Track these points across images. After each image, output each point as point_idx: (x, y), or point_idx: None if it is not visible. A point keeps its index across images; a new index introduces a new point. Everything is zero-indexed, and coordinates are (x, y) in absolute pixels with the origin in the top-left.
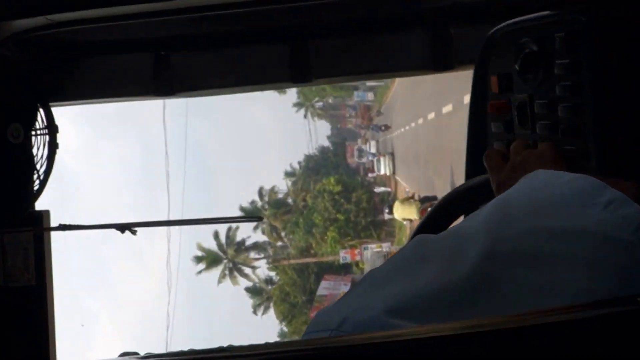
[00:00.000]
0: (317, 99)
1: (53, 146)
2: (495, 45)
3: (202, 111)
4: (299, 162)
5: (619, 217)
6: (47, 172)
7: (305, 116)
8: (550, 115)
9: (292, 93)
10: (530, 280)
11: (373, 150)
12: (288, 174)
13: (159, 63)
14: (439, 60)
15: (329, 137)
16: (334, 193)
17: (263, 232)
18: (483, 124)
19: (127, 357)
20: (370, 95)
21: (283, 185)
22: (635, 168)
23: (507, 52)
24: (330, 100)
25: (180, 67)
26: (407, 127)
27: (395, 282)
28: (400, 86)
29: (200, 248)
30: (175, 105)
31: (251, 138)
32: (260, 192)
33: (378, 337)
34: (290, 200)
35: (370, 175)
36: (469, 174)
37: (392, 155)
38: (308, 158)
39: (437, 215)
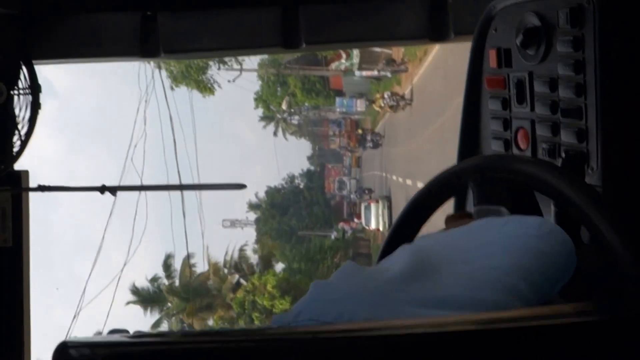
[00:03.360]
0: (286, 111)
1: (35, 106)
2: (495, 17)
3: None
4: (267, 192)
5: (521, 222)
6: (29, 133)
7: (275, 133)
8: (550, 94)
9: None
10: (463, 271)
11: (353, 189)
12: (253, 206)
13: (145, 23)
14: (435, 30)
15: (309, 159)
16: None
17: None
18: (479, 100)
19: (117, 335)
20: (359, 104)
21: (251, 215)
22: (637, 150)
23: (508, 26)
24: (308, 113)
25: (167, 27)
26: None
27: (346, 282)
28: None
29: None
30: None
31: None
32: (167, 264)
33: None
34: (211, 284)
35: (355, 221)
36: (462, 153)
37: (388, 202)
38: (273, 192)
39: (421, 203)
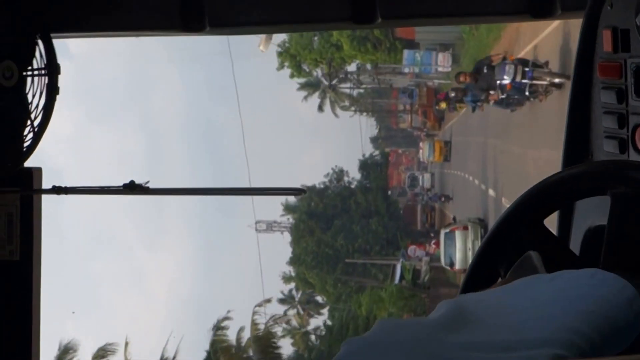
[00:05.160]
0: (336, 77)
1: (52, 91)
2: None
3: None
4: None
5: (571, 274)
6: (43, 124)
7: (320, 107)
8: None
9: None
10: (515, 318)
11: (427, 184)
12: (289, 208)
13: None
14: (538, 4)
15: (372, 141)
16: None
17: None
18: (589, 89)
19: None
20: (442, 60)
21: (286, 219)
22: None
23: (626, 1)
24: (358, 76)
25: None
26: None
27: (380, 332)
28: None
29: None
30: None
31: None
32: None
33: None
34: None
35: (433, 246)
36: (568, 157)
37: (483, 229)
38: (312, 194)
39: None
